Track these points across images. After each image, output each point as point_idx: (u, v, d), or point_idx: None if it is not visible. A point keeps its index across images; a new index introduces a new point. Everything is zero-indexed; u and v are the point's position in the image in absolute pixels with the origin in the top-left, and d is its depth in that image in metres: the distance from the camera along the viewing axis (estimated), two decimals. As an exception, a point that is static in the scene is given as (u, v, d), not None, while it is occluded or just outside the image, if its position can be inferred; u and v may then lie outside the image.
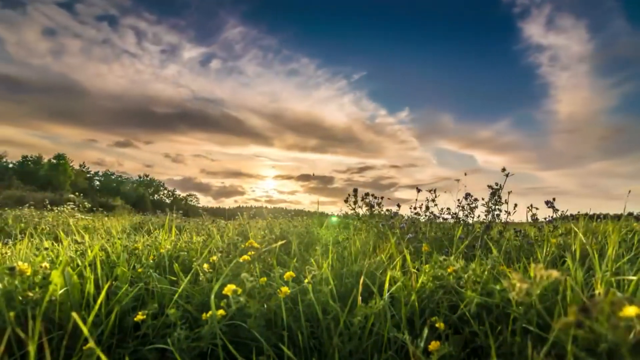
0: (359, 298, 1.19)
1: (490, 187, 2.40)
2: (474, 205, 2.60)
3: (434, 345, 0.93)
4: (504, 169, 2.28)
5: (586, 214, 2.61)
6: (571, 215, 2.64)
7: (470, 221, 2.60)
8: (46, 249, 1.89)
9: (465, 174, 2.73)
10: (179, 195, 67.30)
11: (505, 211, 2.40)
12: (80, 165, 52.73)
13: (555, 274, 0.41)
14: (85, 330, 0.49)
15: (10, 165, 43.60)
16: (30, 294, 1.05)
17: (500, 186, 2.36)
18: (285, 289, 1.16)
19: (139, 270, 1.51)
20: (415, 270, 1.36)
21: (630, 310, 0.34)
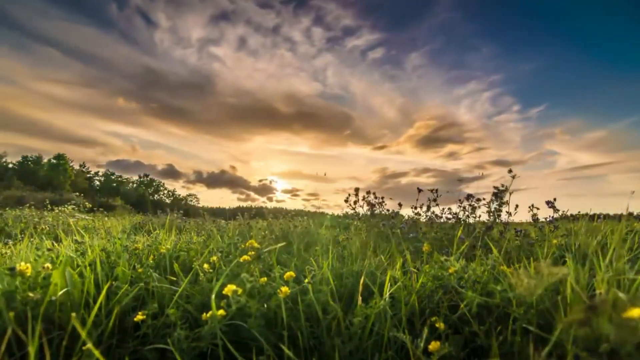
0: (359, 298, 1.19)
1: (495, 187, 2.40)
2: (475, 205, 2.59)
3: (434, 345, 0.93)
4: (510, 170, 2.28)
5: (586, 214, 2.61)
6: (572, 215, 2.64)
7: (472, 221, 2.60)
8: (49, 249, 1.89)
9: (482, 174, 2.72)
10: (179, 195, 67.35)
11: (507, 212, 2.40)
12: (80, 165, 52.77)
13: (564, 270, 0.41)
14: (82, 333, 0.49)
15: (10, 165, 43.62)
16: (31, 295, 1.05)
17: (506, 187, 2.35)
18: (285, 288, 1.16)
19: (139, 270, 1.51)
20: (415, 270, 1.36)
21: (635, 312, 0.34)
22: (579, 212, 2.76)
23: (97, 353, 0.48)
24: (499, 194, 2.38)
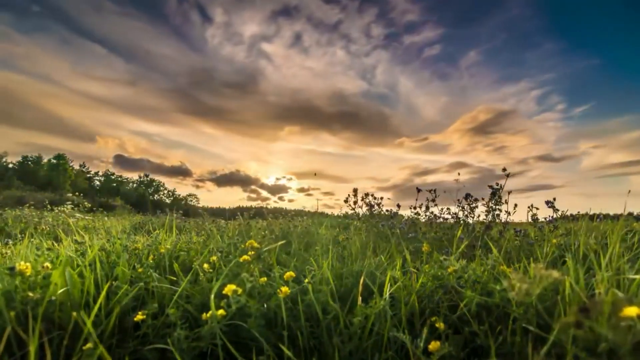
0: (359, 298, 1.19)
1: (490, 187, 2.40)
2: (474, 205, 2.59)
3: (434, 345, 0.93)
4: (504, 169, 2.28)
5: (586, 214, 2.61)
6: (571, 215, 2.64)
7: (471, 221, 2.60)
8: (49, 249, 1.89)
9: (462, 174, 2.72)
10: (179, 195, 67.36)
11: (506, 211, 2.40)
12: (80, 165, 52.77)
13: (555, 274, 0.41)
14: (90, 328, 0.49)
15: (10, 165, 43.61)
16: (31, 294, 1.05)
17: (501, 186, 2.36)
18: (285, 288, 1.16)
19: (139, 270, 1.51)
20: (415, 270, 1.36)
21: (630, 311, 0.34)
22: (579, 212, 2.76)
23: (101, 348, 0.48)
24: (495, 193, 2.38)
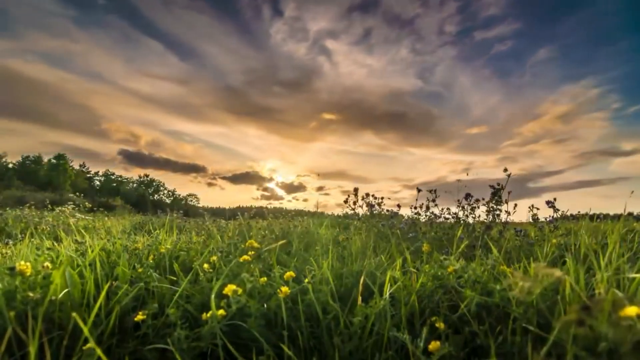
0: (359, 298, 1.19)
1: (491, 187, 2.40)
2: (474, 205, 2.59)
3: (434, 345, 0.93)
4: (505, 169, 2.28)
5: (586, 214, 2.61)
6: (571, 215, 2.64)
7: (471, 221, 2.60)
8: (49, 249, 1.89)
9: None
10: (179, 195, 67.39)
11: (506, 211, 2.40)
12: (80, 165, 52.78)
13: (556, 273, 0.41)
14: (85, 330, 0.49)
15: (10, 165, 43.62)
16: (31, 294, 1.05)
17: (502, 186, 2.36)
18: (285, 288, 1.16)
19: (139, 270, 1.51)
20: (415, 270, 1.36)
21: (631, 310, 0.34)
22: (579, 212, 2.76)
23: (99, 351, 0.49)
24: (496, 193, 2.38)
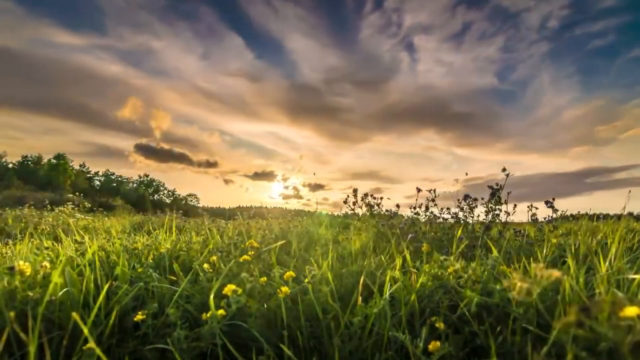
0: (359, 298, 1.19)
1: (490, 187, 2.40)
2: (473, 205, 2.60)
3: (433, 345, 0.93)
4: (504, 169, 2.28)
5: (586, 214, 2.61)
6: (571, 215, 2.64)
7: (470, 221, 2.60)
8: (47, 248, 1.89)
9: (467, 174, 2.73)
10: (179, 195, 67.39)
11: (505, 211, 2.40)
12: (80, 165, 52.76)
13: (556, 273, 0.41)
14: (85, 330, 0.49)
15: (10, 166, 43.58)
16: (31, 294, 1.05)
17: (501, 186, 2.36)
18: (285, 288, 1.16)
19: (139, 270, 1.51)
20: (415, 270, 1.36)
21: (631, 310, 0.34)
22: (579, 212, 2.76)
23: (98, 351, 0.49)
24: (495, 193, 2.38)
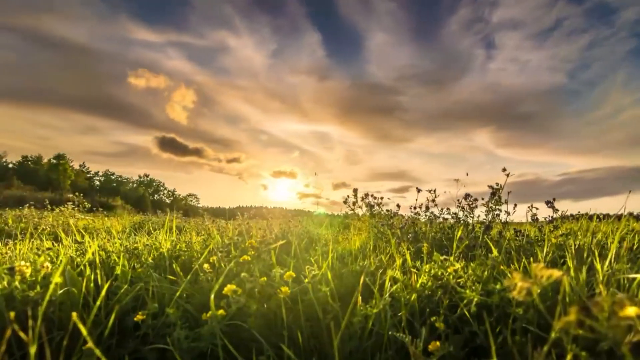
0: (359, 298, 1.19)
1: (490, 187, 2.40)
2: (473, 205, 2.59)
3: (434, 345, 0.93)
4: (504, 169, 2.28)
5: (586, 214, 2.61)
6: (571, 215, 2.64)
7: (470, 221, 2.60)
8: (47, 248, 1.89)
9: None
10: (179, 195, 67.40)
11: (505, 211, 2.40)
12: (80, 165, 52.77)
13: (556, 273, 0.41)
14: (83, 330, 0.49)
15: (10, 165, 43.59)
16: (31, 294, 1.05)
17: (501, 186, 2.36)
18: (285, 288, 1.16)
19: (139, 270, 1.51)
20: (415, 270, 1.36)
21: (630, 310, 0.34)
22: (579, 212, 2.76)
23: (98, 352, 0.49)
24: (495, 193, 2.38)
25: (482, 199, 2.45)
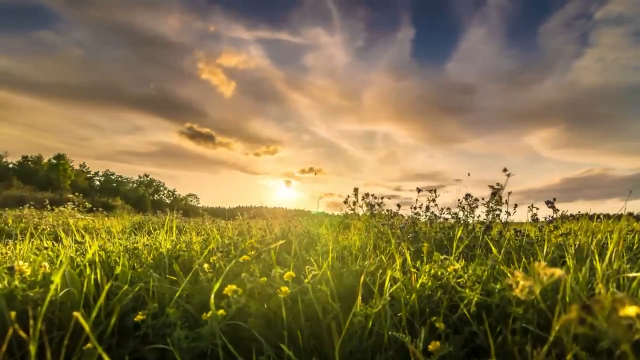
0: (359, 298, 1.19)
1: (491, 187, 2.40)
2: (474, 205, 2.60)
3: (433, 345, 0.93)
4: (505, 169, 2.28)
5: (586, 214, 2.61)
6: (571, 215, 2.64)
7: (471, 221, 2.60)
8: (46, 248, 1.89)
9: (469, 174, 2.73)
10: (179, 195, 67.41)
11: (506, 211, 2.40)
12: (80, 166, 52.78)
13: (556, 272, 0.41)
14: (87, 328, 0.49)
15: (10, 165, 43.60)
16: (31, 294, 1.05)
17: (502, 186, 2.36)
18: (285, 288, 1.16)
19: (139, 270, 1.51)
20: (415, 270, 1.36)
21: (630, 310, 0.34)
22: (579, 212, 2.76)
23: (100, 350, 0.49)
24: (496, 193, 2.38)
25: (506, 201, 2.40)
